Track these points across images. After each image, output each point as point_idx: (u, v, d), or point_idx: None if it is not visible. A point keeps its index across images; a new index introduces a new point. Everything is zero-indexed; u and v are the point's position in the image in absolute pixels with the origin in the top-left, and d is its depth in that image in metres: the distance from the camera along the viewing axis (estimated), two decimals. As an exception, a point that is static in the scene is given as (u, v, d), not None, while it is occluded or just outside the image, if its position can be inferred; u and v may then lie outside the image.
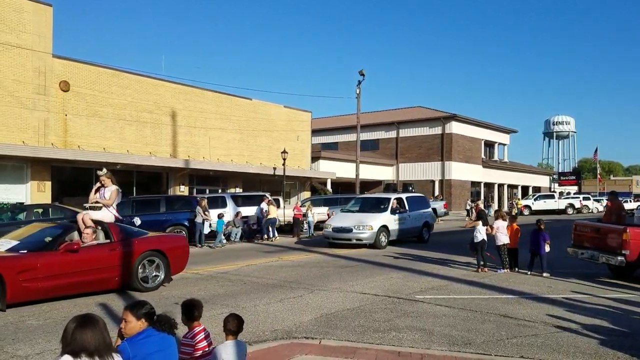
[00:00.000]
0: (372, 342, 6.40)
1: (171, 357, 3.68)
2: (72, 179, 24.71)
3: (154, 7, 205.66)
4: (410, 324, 7.32)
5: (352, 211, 19.10)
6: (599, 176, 69.91)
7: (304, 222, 23.33)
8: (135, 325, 3.60)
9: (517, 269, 12.41)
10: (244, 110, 32.20)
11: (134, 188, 26.55)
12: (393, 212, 18.27)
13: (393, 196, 19.27)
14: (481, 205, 39.01)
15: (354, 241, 17.13)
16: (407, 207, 19.08)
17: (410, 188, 23.02)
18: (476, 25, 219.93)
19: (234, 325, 4.19)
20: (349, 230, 17.30)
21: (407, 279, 11.30)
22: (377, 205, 18.93)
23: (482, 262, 12.37)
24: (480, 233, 12.39)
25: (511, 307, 8.45)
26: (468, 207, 40.35)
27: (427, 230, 20.36)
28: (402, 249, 17.39)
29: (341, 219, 18.27)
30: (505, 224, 12.62)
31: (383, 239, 17.42)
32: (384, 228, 17.61)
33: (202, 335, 4.33)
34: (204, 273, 12.03)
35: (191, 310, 4.37)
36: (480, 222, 12.72)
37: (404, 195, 19.86)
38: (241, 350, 4.19)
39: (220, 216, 19.47)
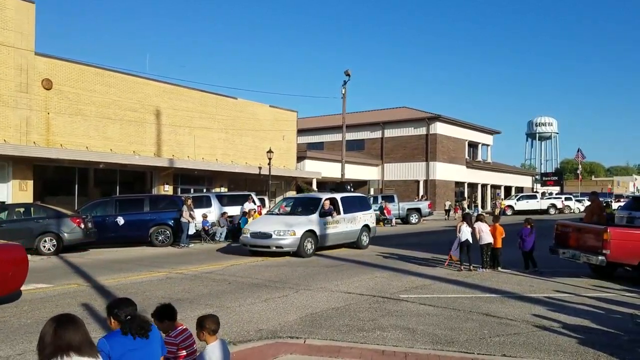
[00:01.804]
0: (357, 341, 6.44)
1: (150, 356, 3.66)
2: (55, 178, 24.43)
3: (139, 5, 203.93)
4: (395, 323, 7.37)
5: (277, 214, 17.27)
6: (580, 177, 70.83)
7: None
8: (112, 324, 3.68)
9: (499, 269, 12.54)
10: (229, 110, 32.09)
11: (118, 187, 26.33)
12: (323, 214, 15.97)
13: (324, 196, 16.91)
14: (464, 205, 39.41)
15: (274, 248, 14.87)
16: (341, 209, 16.85)
17: (348, 187, 20.84)
18: (461, 27, 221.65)
19: (214, 325, 4.11)
20: (268, 236, 14.98)
21: (392, 278, 11.36)
22: (307, 207, 16.85)
23: (466, 262, 12.47)
24: (465, 233, 12.50)
25: (494, 306, 8.55)
26: (447, 207, 40.80)
27: (367, 234, 17.99)
28: (386, 248, 17.45)
29: (261, 223, 15.99)
30: (486, 225, 12.75)
31: (309, 246, 15.14)
32: (310, 233, 15.33)
33: (185, 335, 4.33)
34: (188, 273, 11.98)
35: (165, 314, 4.34)
36: (464, 223, 12.82)
37: (338, 196, 17.45)
38: (226, 349, 4.20)
39: (223, 215, 20.17)
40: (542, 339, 6.58)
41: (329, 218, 16.18)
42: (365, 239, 17.77)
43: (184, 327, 4.42)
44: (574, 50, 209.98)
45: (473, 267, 12.48)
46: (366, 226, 17.95)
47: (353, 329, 7.04)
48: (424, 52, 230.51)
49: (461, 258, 12.61)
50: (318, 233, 15.63)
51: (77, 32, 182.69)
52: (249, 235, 15.46)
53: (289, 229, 15.00)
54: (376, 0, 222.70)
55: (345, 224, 16.97)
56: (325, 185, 41.84)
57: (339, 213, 16.71)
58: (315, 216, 15.87)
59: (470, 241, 12.52)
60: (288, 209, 17.81)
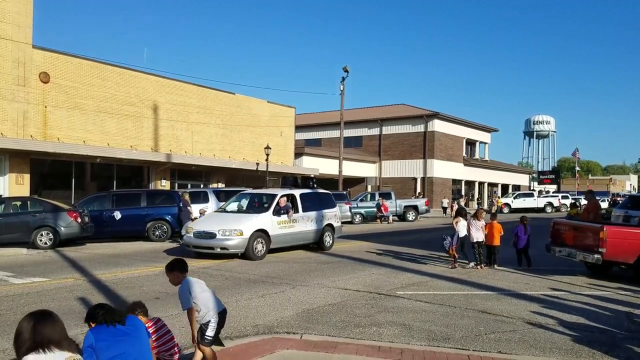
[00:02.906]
0: (353, 337, 6.45)
1: (137, 344, 3.70)
2: (52, 172, 24.39)
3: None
4: (391, 319, 7.39)
5: (228, 211, 15.52)
6: (577, 175, 71.07)
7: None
8: (91, 326, 3.79)
9: (495, 266, 12.57)
10: (227, 105, 32.04)
11: (115, 182, 26.30)
12: (277, 212, 14.51)
13: (280, 193, 15.26)
14: (461, 203, 39.59)
15: (218, 250, 13.35)
16: (300, 207, 15.37)
17: (311, 182, 19.09)
18: (459, 25, 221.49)
19: (184, 268, 5.03)
20: (212, 236, 13.49)
21: (388, 275, 11.39)
22: (261, 204, 15.53)
23: (462, 260, 12.46)
24: (462, 229, 12.51)
25: (490, 303, 8.57)
26: (445, 205, 40.88)
27: (331, 235, 16.38)
28: (382, 245, 17.47)
29: (207, 221, 14.55)
30: (481, 222, 12.75)
31: (259, 247, 13.69)
32: (261, 233, 13.86)
33: (159, 325, 4.82)
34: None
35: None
36: (461, 219, 12.82)
37: (297, 192, 15.81)
38: (193, 281, 5.02)
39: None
40: (537, 337, 6.61)
41: (285, 217, 14.68)
42: (328, 240, 16.18)
43: (152, 322, 4.66)
44: (571, 49, 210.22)
45: (473, 264, 12.46)
46: (329, 226, 16.39)
47: (349, 325, 7.06)
48: (422, 49, 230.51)
49: (456, 253, 12.57)
50: (271, 233, 14.12)
51: (75, 25, 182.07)
52: (191, 235, 13.94)
53: (235, 229, 13.46)
54: (373, 1, 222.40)
55: (305, 223, 15.40)
56: (322, 181, 41.86)
57: (297, 211, 15.23)
58: (267, 214, 14.39)
59: (468, 236, 12.50)
60: (243, 205, 16.06)
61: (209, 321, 4.88)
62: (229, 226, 13.60)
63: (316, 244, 15.96)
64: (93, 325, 3.72)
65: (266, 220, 14.24)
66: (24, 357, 2.86)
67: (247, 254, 13.42)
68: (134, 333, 3.76)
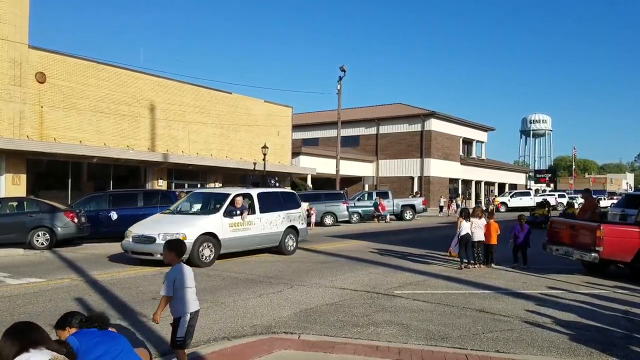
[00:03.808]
0: (351, 337, 6.45)
1: (119, 345, 3.72)
2: (48, 172, 24.33)
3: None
4: (389, 318, 7.39)
5: (176, 213, 14.10)
6: (574, 174, 71.18)
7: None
8: (64, 334, 3.72)
9: (493, 265, 12.58)
10: (224, 105, 32.00)
11: (111, 182, 26.24)
12: (229, 214, 13.23)
13: (234, 192, 13.96)
14: (458, 202, 39.52)
15: (158, 256, 11.35)
16: (257, 208, 14.11)
17: (272, 181, 17.84)
18: (456, 24, 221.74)
19: (182, 252, 5.15)
20: (152, 241, 12.11)
21: (386, 274, 11.38)
22: (212, 205, 14.11)
23: (464, 259, 12.36)
24: (464, 228, 12.45)
25: (487, 302, 8.58)
26: (441, 204, 40.96)
27: (294, 238, 15.16)
28: (380, 245, 17.48)
29: (148, 224, 13.14)
30: (482, 221, 12.76)
31: (206, 252, 12.37)
32: (210, 237, 12.59)
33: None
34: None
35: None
36: (463, 218, 12.78)
37: (253, 192, 14.57)
38: (185, 270, 5.01)
39: None
40: (535, 335, 6.61)
41: (238, 218, 13.41)
42: (290, 243, 14.98)
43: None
44: (568, 49, 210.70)
45: (471, 263, 12.42)
46: (292, 228, 15.14)
47: (347, 324, 7.05)
48: (419, 49, 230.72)
49: (460, 254, 12.51)
50: (221, 236, 12.85)
51: (71, 25, 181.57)
52: (130, 240, 12.62)
53: (177, 232, 12.04)
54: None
55: (262, 225, 14.12)
56: (319, 181, 41.84)
57: (254, 212, 14.01)
58: (217, 216, 13.07)
59: (471, 234, 12.42)
60: (194, 206, 14.76)
61: (180, 317, 4.89)
62: (170, 229, 12.29)
63: (276, 248, 14.71)
64: (69, 330, 3.72)
65: (215, 223, 12.92)
66: None
67: (191, 260, 11.70)
68: (114, 334, 3.84)
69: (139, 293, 9.04)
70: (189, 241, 11.77)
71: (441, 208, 40.70)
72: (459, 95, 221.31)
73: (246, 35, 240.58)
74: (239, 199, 13.74)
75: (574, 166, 74.70)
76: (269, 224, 14.35)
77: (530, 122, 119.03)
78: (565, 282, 10.69)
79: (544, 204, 26.82)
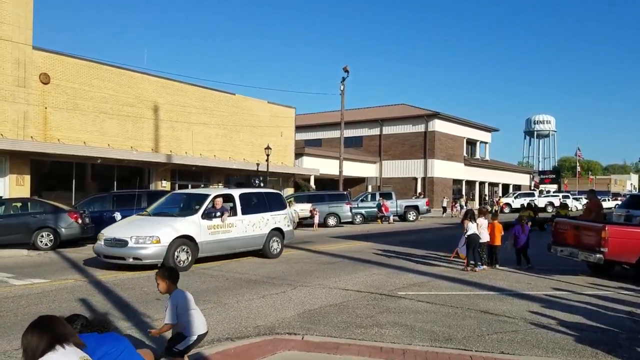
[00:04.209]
0: (355, 338, 6.42)
1: (121, 346, 3.72)
2: (52, 173, 24.36)
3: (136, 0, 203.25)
4: (392, 319, 7.36)
5: (152, 214, 13.27)
6: (578, 174, 71.00)
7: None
8: None
9: (497, 266, 12.54)
10: (227, 105, 32.03)
11: (115, 183, 26.27)
12: (208, 215, 12.56)
13: (214, 193, 13.34)
14: (462, 202, 39.46)
15: (130, 260, 11.37)
16: (239, 209, 13.46)
17: (256, 182, 16.68)
18: (459, 25, 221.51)
19: (175, 277, 4.93)
20: (124, 244, 11.50)
21: (390, 275, 11.36)
22: (190, 206, 13.35)
23: (471, 261, 12.27)
24: (471, 228, 12.38)
25: (492, 303, 8.54)
26: (445, 205, 40.91)
27: (279, 240, 14.50)
28: (383, 246, 17.44)
29: (121, 226, 12.56)
30: (487, 221, 12.73)
31: (182, 256, 11.76)
32: (186, 240, 11.92)
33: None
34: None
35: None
36: (468, 221, 12.71)
37: (235, 192, 13.86)
38: (184, 295, 4.83)
39: None
40: (540, 337, 6.58)
41: (217, 220, 12.75)
42: (275, 246, 14.34)
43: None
44: (572, 49, 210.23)
45: (477, 265, 12.32)
46: (277, 230, 14.53)
47: (351, 325, 7.03)
48: (422, 49, 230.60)
49: (468, 256, 12.42)
50: (198, 240, 12.19)
51: (75, 26, 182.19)
52: (102, 243, 12.00)
53: (151, 235, 11.49)
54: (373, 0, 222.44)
55: (244, 228, 13.47)
56: (322, 182, 41.80)
57: (235, 214, 13.36)
58: (195, 217, 12.39)
59: (478, 234, 12.34)
60: (171, 208, 13.99)
61: (186, 337, 4.78)
62: (144, 232, 11.63)
63: (260, 251, 14.08)
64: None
65: (192, 225, 12.23)
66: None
67: (166, 264, 11.08)
68: (114, 335, 3.81)
69: (143, 294, 9.04)
70: (163, 244, 11.47)
71: (444, 209, 40.65)
72: (462, 96, 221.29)
73: (247, 36, 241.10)
74: (220, 200, 13.10)
75: (578, 168, 74.53)
76: (251, 226, 13.71)
77: (534, 123, 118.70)
78: (570, 283, 10.64)
79: (530, 206, 26.70)
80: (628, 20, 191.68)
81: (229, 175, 32.10)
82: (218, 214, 12.80)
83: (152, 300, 8.35)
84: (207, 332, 4.95)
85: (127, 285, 9.90)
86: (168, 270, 5.00)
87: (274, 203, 14.95)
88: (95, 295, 8.95)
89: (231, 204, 13.48)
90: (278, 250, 14.45)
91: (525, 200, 44.61)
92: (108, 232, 12.28)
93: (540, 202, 45.62)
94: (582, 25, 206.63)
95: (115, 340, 3.70)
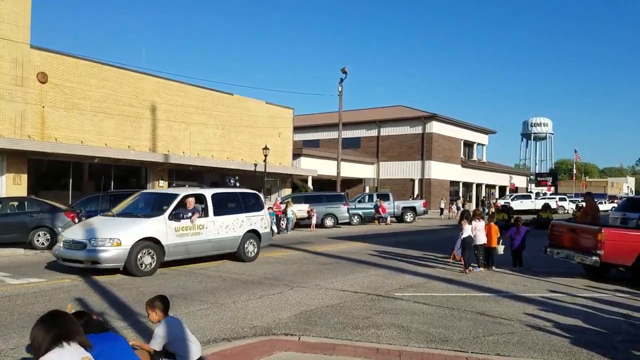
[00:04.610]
0: (351, 339, 6.44)
1: (118, 346, 3.77)
2: (49, 172, 24.32)
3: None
4: (389, 321, 7.37)
5: (116, 215, 12.42)
6: (574, 177, 71.17)
7: (283, 218, 23.33)
8: None
9: (493, 268, 12.56)
10: (226, 106, 32.02)
11: (112, 182, 26.23)
12: (176, 216, 11.84)
13: (184, 192, 12.54)
14: (459, 204, 39.55)
15: (89, 264, 10.67)
16: (211, 210, 12.74)
17: (232, 181, 15.84)
18: (458, 27, 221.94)
19: (164, 306, 4.75)
20: (83, 247, 10.78)
21: (386, 276, 11.37)
22: (158, 206, 12.45)
23: (469, 263, 12.25)
24: (466, 230, 12.41)
25: (488, 305, 8.56)
26: (442, 206, 40.97)
27: (255, 243, 13.77)
28: (380, 247, 17.45)
29: (82, 228, 11.70)
30: (483, 223, 12.76)
31: (147, 260, 11.03)
32: (150, 242, 11.20)
33: None
34: (182, 269, 11.94)
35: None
36: (465, 220, 12.75)
37: (207, 192, 13.07)
38: (175, 323, 4.68)
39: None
40: (535, 339, 6.60)
41: (186, 222, 12.03)
42: (251, 249, 13.62)
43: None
44: (569, 51, 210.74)
45: (472, 266, 12.35)
46: (253, 232, 13.80)
47: (347, 326, 7.04)
48: (420, 51, 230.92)
49: (464, 257, 12.38)
50: (165, 242, 11.47)
51: (72, 25, 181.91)
52: (61, 245, 11.31)
53: (111, 237, 10.78)
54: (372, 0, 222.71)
55: (217, 230, 12.76)
56: (320, 183, 41.80)
57: (206, 215, 12.65)
58: (161, 219, 11.61)
59: (473, 237, 12.37)
60: (138, 208, 13.07)
61: (181, 356, 4.63)
62: (104, 234, 10.88)
63: (235, 254, 13.39)
64: None
65: (158, 226, 11.48)
66: (43, 357, 2.83)
67: (129, 269, 10.78)
68: (111, 335, 3.90)
69: (139, 294, 9.03)
70: (125, 247, 10.76)
71: (442, 210, 40.71)
72: (460, 97, 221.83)
73: (247, 36, 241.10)
74: (191, 200, 12.39)
75: (574, 170, 74.70)
76: (224, 228, 12.99)
77: (531, 125, 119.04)
78: (566, 285, 10.67)
79: (506, 208, 26.88)
80: (628, 21, 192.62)
81: (228, 176, 32.03)
82: (189, 214, 12.14)
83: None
84: (201, 357, 4.79)
85: (124, 285, 9.89)
86: (159, 300, 4.80)
87: (250, 204, 14.25)
88: (92, 295, 8.94)
89: (203, 205, 12.79)
90: (254, 253, 13.72)
91: (521, 202, 44.74)
92: (68, 233, 11.65)
93: (537, 204, 45.70)
94: (581, 26, 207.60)
95: (112, 340, 3.73)
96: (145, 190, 15.34)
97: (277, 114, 35.87)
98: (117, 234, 10.91)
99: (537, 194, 51.87)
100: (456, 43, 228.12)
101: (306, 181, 39.14)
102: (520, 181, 64.16)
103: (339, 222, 27.74)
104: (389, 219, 30.87)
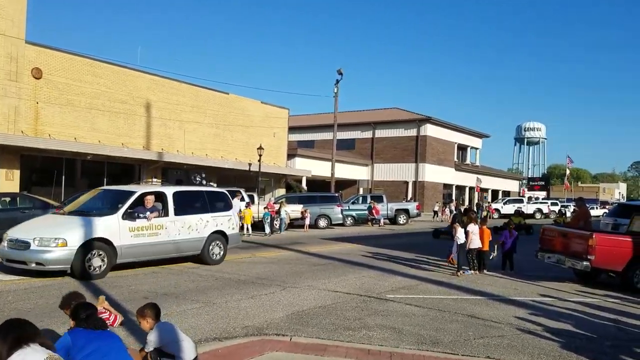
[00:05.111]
0: (343, 340, 6.45)
1: (112, 343, 3.82)
2: (42, 168, 24.21)
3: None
4: (381, 322, 7.40)
5: (67, 213, 11.62)
6: (566, 182, 71.48)
7: (277, 218, 23.32)
8: (72, 323, 4.09)
9: (485, 271, 12.62)
10: (220, 105, 31.98)
11: (105, 179, 26.13)
12: (129, 216, 10.95)
13: (142, 190, 11.80)
14: (452, 207, 39.69)
15: (33, 265, 9.90)
16: (171, 209, 11.85)
17: (198, 178, 15.01)
18: (454, 31, 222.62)
19: (154, 313, 4.69)
20: (26, 247, 9.98)
21: (379, 278, 11.40)
22: (112, 204, 11.46)
23: (462, 266, 12.29)
24: (460, 238, 12.44)
25: (479, 308, 8.61)
26: (436, 209, 41.08)
27: (221, 245, 12.93)
28: (373, 248, 17.48)
29: (28, 227, 10.85)
30: (477, 227, 12.79)
31: (96, 262, 10.19)
32: (101, 243, 10.34)
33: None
34: (174, 268, 11.92)
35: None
36: (458, 225, 12.79)
37: (168, 190, 12.22)
38: (167, 327, 4.67)
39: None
40: (525, 342, 6.64)
41: (142, 221, 11.17)
42: (217, 251, 12.81)
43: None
44: (564, 56, 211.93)
45: (463, 269, 12.40)
46: (220, 233, 12.96)
47: (339, 327, 7.06)
48: (415, 54, 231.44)
49: (458, 261, 12.41)
50: (117, 243, 10.61)
51: (68, 22, 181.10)
52: (5, 244, 10.46)
53: (57, 237, 9.96)
54: (371, 0, 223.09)
55: (177, 230, 11.88)
56: (314, 183, 41.81)
57: (166, 214, 11.80)
58: (113, 218, 10.76)
59: (466, 242, 12.38)
60: (91, 206, 11.98)
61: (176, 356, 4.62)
62: (49, 233, 10.10)
63: (199, 257, 12.56)
64: (72, 322, 3.99)
65: (110, 226, 10.62)
66: None
67: (75, 272, 10.04)
68: (107, 332, 3.97)
69: (131, 292, 9.01)
70: (71, 248, 9.92)
71: (435, 213, 40.82)
72: (455, 101, 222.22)
73: (246, 36, 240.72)
74: (149, 198, 11.50)
75: (567, 174, 75.02)
76: (186, 229, 12.11)
77: (525, 130, 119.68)
78: (557, 289, 10.74)
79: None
80: (623, 26, 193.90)
81: (222, 175, 32.04)
82: (148, 213, 11.32)
83: (139, 299, 8.33)
84: (197, 356, 4.78)
85: (115, 283, 9.86)
86: (148, 308, 4.75)
87: (217, 203, 13.42)
88: (83, 293, 8.85)
89: (161, 203, 11.95)
90: (220, 256, 12.90)
91: (513, 206, 44.95)
92: (13, 231, 10.68)
93: (530, 208, 45.96)
94: (577, 32, 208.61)
95: (108, 338, 3.76)
96: (105, 187, 14.36)
97: (272, 113, 35.86)
98: (63, 234, 10.06)
99: (530, 198, 52.14)
100: (452, 48, 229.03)
101: (300, 182, 39.15)
102: (512, 185, 64.43)
103: (333, 223, 27.76)
104: (382, 220, 30.91)
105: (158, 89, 28.07)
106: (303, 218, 25.74)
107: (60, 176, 24.33)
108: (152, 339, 4.56)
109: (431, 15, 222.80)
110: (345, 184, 46.89)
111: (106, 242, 10.49)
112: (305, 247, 17.32)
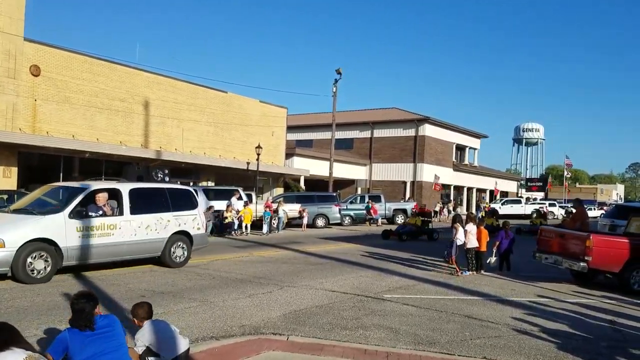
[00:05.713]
0: (340, 340, 6.46)
1: (112, 342, 3.88)
2: (40, 166, 24.15)
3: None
4: (378, 322, 7.40)
5: (11, 211, 10.78)
6: (565, 183, 71.62)
7: (275, 217, 23.31)
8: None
9: (482, 272, 12.63)
10: (219, 103, 31.94)
11: (103, 177, 26.04)
12: (78, 214, 10.14)
13: (94, 186, 10.83)
14: (450, 207, 39.63)
15: None
16: (127, 208, 10.99)
17: (160, 175, 13.42)
18: (453, 29, 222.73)
19: (145, 312, 4.78)
20: None
21: (376, 278, 11.41)
22: (64, 202, 10.52)
23: (462, 266, 12.30)
24: (459, 239, 12.44)
25: (476, 308, 8.62)
26: (437, 209, 41.07)
27: (185, 247, 12.10)
28: (371, 248, 17.49)
29: None
30: (476, 227, 12.81)
31: (39, 265, 9.43)
32: (44, 244, 9.57)
33: None
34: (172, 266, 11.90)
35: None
36: (459, 225, 12.80)
37: (124, 187, 11.28)
38: (159, 325, 4.73)
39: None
40: (522, 343, 6.65)
41: (94, 220, 10.39)
42: (180, 253, 11.97)
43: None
44: (563, 57, 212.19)
45: (462, 270, 12.41)
46: (183, 234, 12.10)
47: (336, 327, 7.06)
48: (415, 54, 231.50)
49: (457, 261, 12.46)
50: (63, 244, 9.80)
51: (68, 22, 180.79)
52: None
53: None
54: (371, 0, 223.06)
55: (133, 230, 11.04)
56: (312, 183, 41.81)
57: (121, 213, 10.96)
58: (59, 216, 9.92)
59: (465, 242, 12.40)
60: (38, 203, 11.12)
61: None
62: None
63: (159, 259, 11.77)
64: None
65: (55, 225, 9.80)
66: None
67: (16, 275, 9.25)
68: (107, 333, 4.01)
69: (128, 290, 9.01)
70: (10, 249, 9.14)
71: (436, 213, 40.79)
72: (453, 102, 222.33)
73: (246, 36, 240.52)
74: (102, 196, 10.72)
75: (566, 174, 75.16)
76: (144, 229, 11.25)
77: (523, 131, 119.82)
78: (554, 290, 10.75)
79: (492, 212, 27.63)
80: (622, 27, 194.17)
81: (220, 174, 32.02)
82: (99, 212, 10.57)
83: (136, 297, 8.32)
84: (188, 348, 4.90)
85: (112, 281, 9.85)
86: (140, 307, 4.85)
87: (181, 202, 12.42)
88: (79, 289, 8.88)
89: (116, 201, 11.18)
90: (183, 258, 12.05)
91: (511, 207, 45.00)
92: None
93: (527, 209, 46.00)
94: (576, 32, 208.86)
95: (107, 342, 3.87)
96: (56, 183, 13.30)
97: (270, 112, 35.83)
98: (1, 234, 9.22)
99: (528, 199, 52.20)
100: (451, 48, 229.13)
101: (298, 181, 39.11)
102: (510, 186, 64.46)
103: (331, 222, 27.77)
104: (380, 220, 30.92)
105: (156, 87, 28.02)
106: (301, 217, 25.75)
107: (58, 174, 24.28)
108: (140, 337, 4.62)
109: (431, 15, 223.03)
110: (343, 184, 46.85)
111: (50, 242, 9.70)
112: (303, 246, 17.32)
